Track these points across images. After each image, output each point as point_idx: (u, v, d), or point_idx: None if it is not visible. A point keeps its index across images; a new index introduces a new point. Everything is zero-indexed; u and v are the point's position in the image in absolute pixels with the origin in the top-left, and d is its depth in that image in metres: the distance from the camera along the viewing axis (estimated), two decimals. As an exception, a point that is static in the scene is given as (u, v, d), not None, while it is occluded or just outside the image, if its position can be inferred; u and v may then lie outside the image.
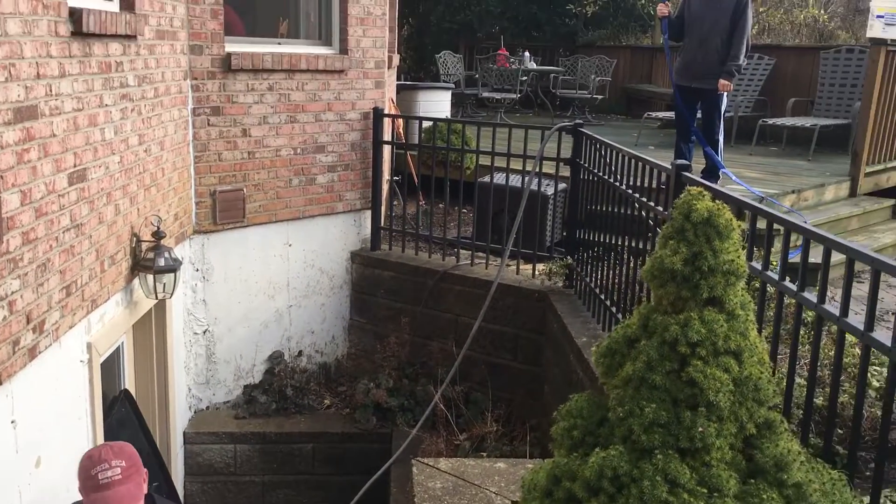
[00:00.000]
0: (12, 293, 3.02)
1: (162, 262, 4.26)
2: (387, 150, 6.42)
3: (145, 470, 2.67)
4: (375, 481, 4.90)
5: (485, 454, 4.70)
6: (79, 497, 2.63)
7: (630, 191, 4.15)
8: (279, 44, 5.69)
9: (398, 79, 9.35)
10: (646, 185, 3.95)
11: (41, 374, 3.33)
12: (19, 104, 2.98)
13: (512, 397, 5.41)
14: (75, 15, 3.36)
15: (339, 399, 5.89)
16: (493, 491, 3.01)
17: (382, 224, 6.30)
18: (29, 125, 3.06)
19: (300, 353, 6.05)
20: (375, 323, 6.11)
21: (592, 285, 4.75)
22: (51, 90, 3.22)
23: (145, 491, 2.66)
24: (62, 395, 3.58)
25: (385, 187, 6.66)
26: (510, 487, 3.04)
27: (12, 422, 3.12)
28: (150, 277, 4.26)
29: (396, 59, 7.83)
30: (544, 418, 4.82)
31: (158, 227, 4.32)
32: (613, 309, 4.29)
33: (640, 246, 3.98)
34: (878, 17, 6.83)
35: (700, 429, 1.96)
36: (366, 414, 5.52)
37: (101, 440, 3.95)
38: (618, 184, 4.36)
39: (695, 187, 2.23)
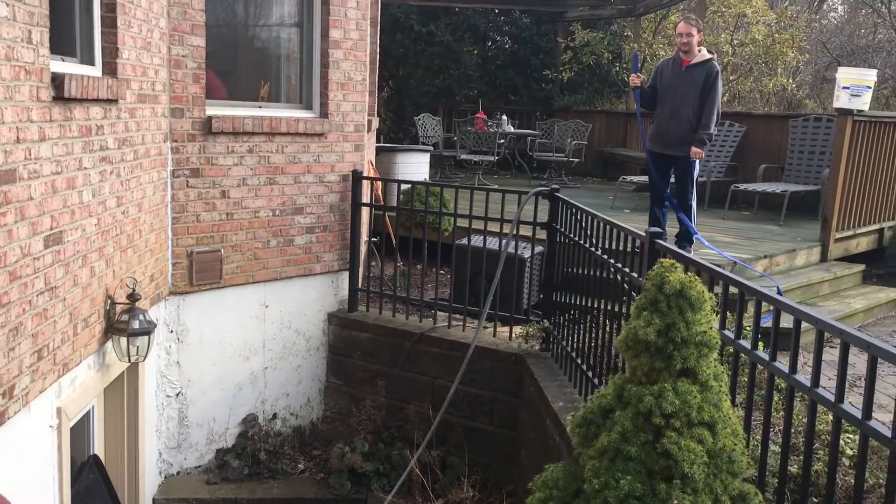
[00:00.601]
0: (-18, 358, 2.98)
1: (136, 325, 4.22)
2: (365, 211, 6.47)
3: None
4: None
5: (461, 521, 4.64)
6: None
7: (605, 256, 4.20)
8: (259, 107, 5.76)
9: (378, 140, 9.46)
10: (621, 248, 4.00)
11: (9, 440, 3.26)
12: (-2, 168, 2.99)
13: (489, 462, 5.36)
14: (57, 80, 3.40)
15: (313, 463, 5.81)
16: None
17: (360, 285, 6.30)
18: (6, 189, 3.06)
19: (275, 415, 5.98)
20: (352, 385, 6.06)
21: (569, 349, 4.76)
22: (30, 154, 3.23)
23: None
24: (29, 462, 3.51)
25: (363, 248, 6.68)
26: (486, 558, 3.00)
27: (-23, 490, 3.04)
28: (124, 340, 4.22)
29: (376, 122, 7.93)
30: (521, 483, 4.77)
31: (134, 290, 4.29)
32: (590, 374, 4.30)
33: (616, 309, 4.01)
34: (844, 88, 7.05)
35: (675, 502, 1.96)
36: (340, 479, 5.43)
37: (67, 508, 3.85)
38: (593, 248, 4.41)
39: (667, 259, 2.27)
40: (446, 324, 5.84)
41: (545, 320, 5.34)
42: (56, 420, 3.73)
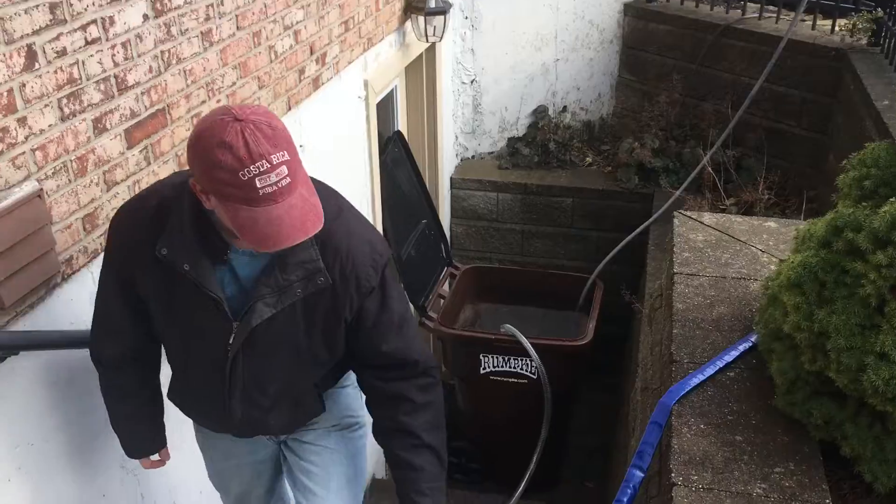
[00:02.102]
0: (297, 23, 3.17)
1: (433, 4, 4.26)
2: None
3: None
4: (632, 241, 4.89)
5: (752, 221, 4.46)
6: None
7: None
8: None
9: None
10: None
11: (324, 104, 3.56)
12: None
13: (789, 166, 5.01)
14: None
15: (601, 157, 5.82)
16: (759, 248, 2.86)
17: (661, -28, 5.78)
18: None
19: (565, 108, 5.97)
20: (645, 81, 5.81)
21: (906, 41, 4.08)
22: None
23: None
24: (341, 128, 3.83)
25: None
26: (779, 246, 2.86)
27: (300, 146, 3.40)
28: (422, 19, 4.29)
29: None
30: (825, 188, 4.43)
31: (430, -33, 4.27)
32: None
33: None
34: None
35: None
36: (628, 173, 5.42)
37: (377, 177, 4.23)
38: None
39: None
40: (756, 14, 5.25)
41: (878, 9, 4.59)
42: (364, 92, 3.99)
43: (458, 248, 5.81)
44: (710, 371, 2.27)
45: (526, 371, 4.47)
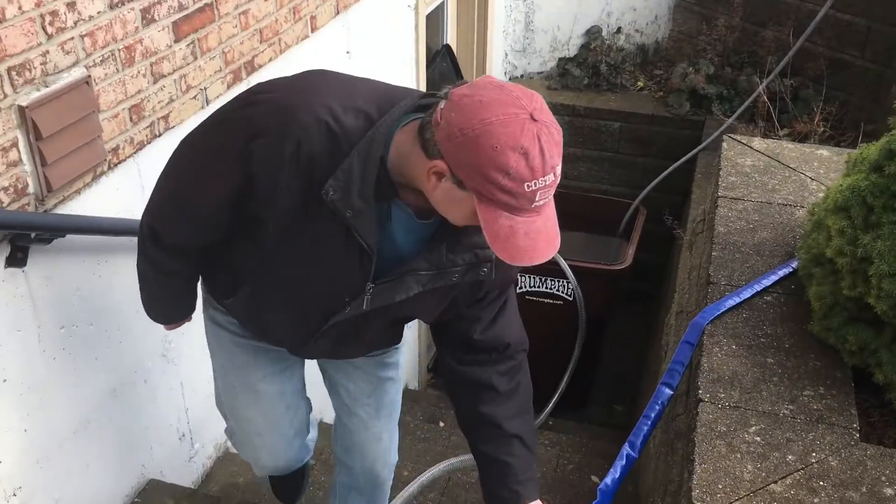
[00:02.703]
0: (348, -77, 3.11)
1: (488, -88, 4.13)
2: None
3: None
4: (679, 168, 4.81)
5: (804, 153, 4.34)
6: None
7: None
8: None
9: None
10: None
11: (373, 11, 3.51)
12: None
13: (848, 98, 4.84)
14: None
15: (653, 82, 5.67)
16: (808, 175, 2.78)
17: None
18: None
19: (619, 29, 5.80)
20: (703, 4, 5.60)
21: None
22: None
23: None
24: (389, 38, 3.78)
25: None
26: (830, 175, 2.79)
27: (347, 52, 3.38)
28: (476, -73, 4.17)
29: None
30: (883, 123, 4.27)
31: None
32: None
33: None
34: None
35: None
36: (679, 99, 5.28)
37: (423, 90, 4.19)
38: None
39: None
40: (828, -63, 5.00)
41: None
42: (414, 1, 3.92)
43: (501, 168, 5.76)
44: (746, 294, 2.25)
45: (562, 293, 4.49)
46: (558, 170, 1.32)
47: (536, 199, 1.30)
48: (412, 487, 2.20)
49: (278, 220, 1.49)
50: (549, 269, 4.36)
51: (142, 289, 1.85)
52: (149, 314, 1.92)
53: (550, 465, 3.67)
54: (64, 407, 2.16)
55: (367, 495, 2.27)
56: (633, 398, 4.87)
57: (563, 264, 4.30)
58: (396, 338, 1.91)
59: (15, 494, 2.03)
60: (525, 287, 4.53)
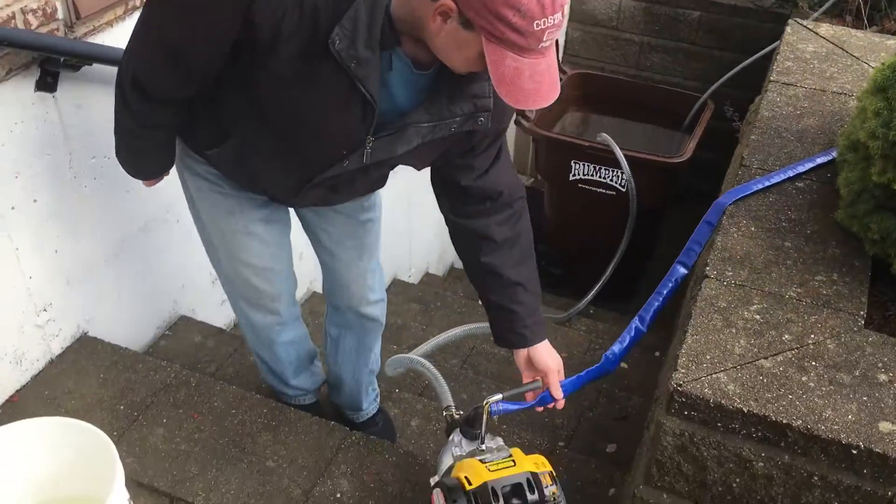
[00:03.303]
0: None
1: None
2: None
3: None
4: (754, 64, 4.57)
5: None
6: None
7: None
8: None
9: None
10: None
11: None
12: None
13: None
14: None
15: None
16: (872, 65, 2.62)
17: None
18: None
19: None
20: None
21: None
22: None
23: None
24: None
25: None
26: (895, 66, 2.61)
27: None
28: None
29: None
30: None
31: None
32: None
33: None
34: None
35: None
36: (766, -10, 4.97)
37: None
38: None
39: None
40: None
41: None
42: None
43: (570, 53, 5.58)
44: (776, 178, 2.17)
45: (616, 183, 4.40)
46: (566, 9, 1.30)
47: (544, 38, 1.29)
48: (427, 346, 2.25)
49: (277, 71, 1.44)
50: (604, 158, 4.28)
51: (119, 145, 1.78)
52: (126, 170, 1.87)
53: (581, 349, 3.70)
54: (96, 234, 2.27)
55: (356, 332, 2.28)
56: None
57: (619, 153, 4.21)
58: (382, 182, 1.90)
59: (45, 310, 2.18)
60: (578, 175, 4.46)
